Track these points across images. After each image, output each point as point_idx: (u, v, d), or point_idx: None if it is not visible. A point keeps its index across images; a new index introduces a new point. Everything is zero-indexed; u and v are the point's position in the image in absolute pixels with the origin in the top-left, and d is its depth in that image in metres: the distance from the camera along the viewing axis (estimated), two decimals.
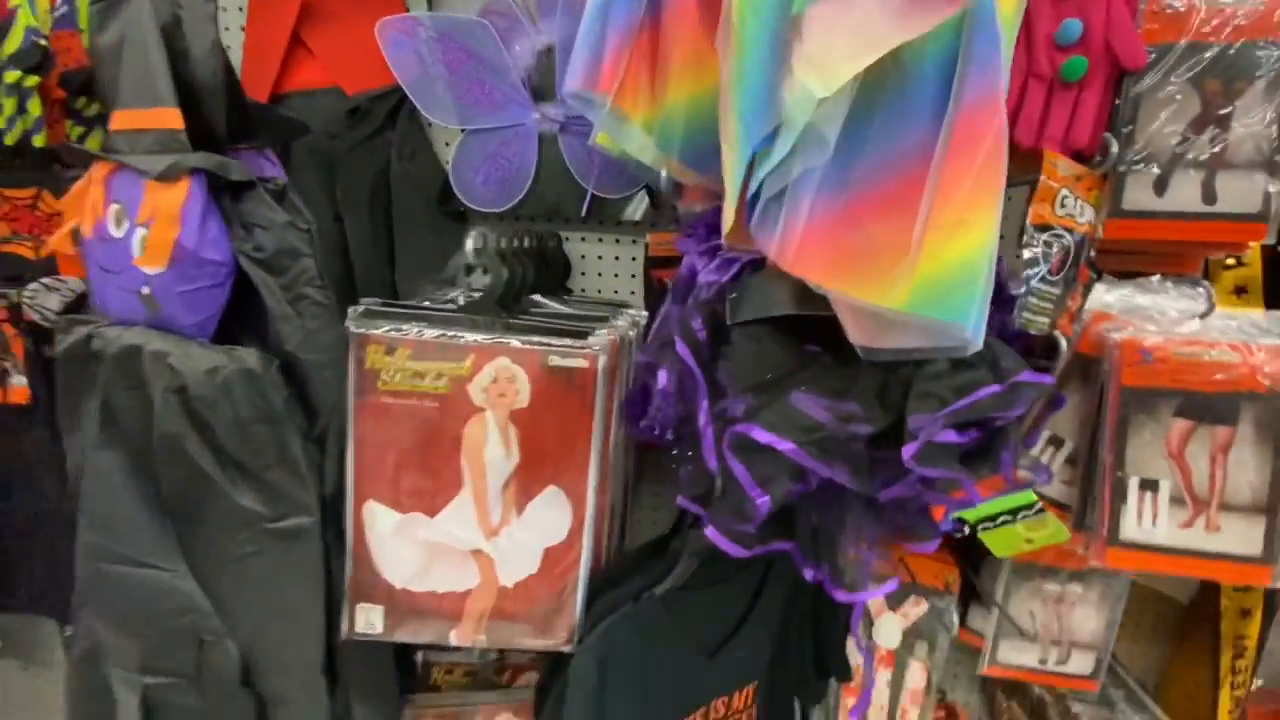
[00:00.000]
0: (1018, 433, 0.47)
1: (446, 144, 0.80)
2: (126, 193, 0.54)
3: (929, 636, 0.75)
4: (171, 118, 0.53)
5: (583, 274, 0.84)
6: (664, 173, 0.63)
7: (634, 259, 0.83)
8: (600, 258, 0.83)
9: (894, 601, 0.75)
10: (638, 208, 0.77)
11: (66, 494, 0.67)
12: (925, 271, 0.40)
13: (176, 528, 0.60)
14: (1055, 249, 0.51)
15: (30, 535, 0.82)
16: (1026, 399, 0.45)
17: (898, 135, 0.42)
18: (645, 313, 0.71)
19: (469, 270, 0.61)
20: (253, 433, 0.54)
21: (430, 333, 0.56)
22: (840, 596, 0.53)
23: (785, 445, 0.44)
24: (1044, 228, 0.50)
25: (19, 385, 0.75)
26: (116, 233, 0.55)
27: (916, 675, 0.77)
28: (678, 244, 0.64)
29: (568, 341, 0.58)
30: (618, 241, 0.82)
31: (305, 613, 0.58)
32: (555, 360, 0.57)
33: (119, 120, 0.56)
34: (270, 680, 0.60)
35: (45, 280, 0.74)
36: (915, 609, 0.75)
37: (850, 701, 0.80)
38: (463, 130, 0.76)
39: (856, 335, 0.46)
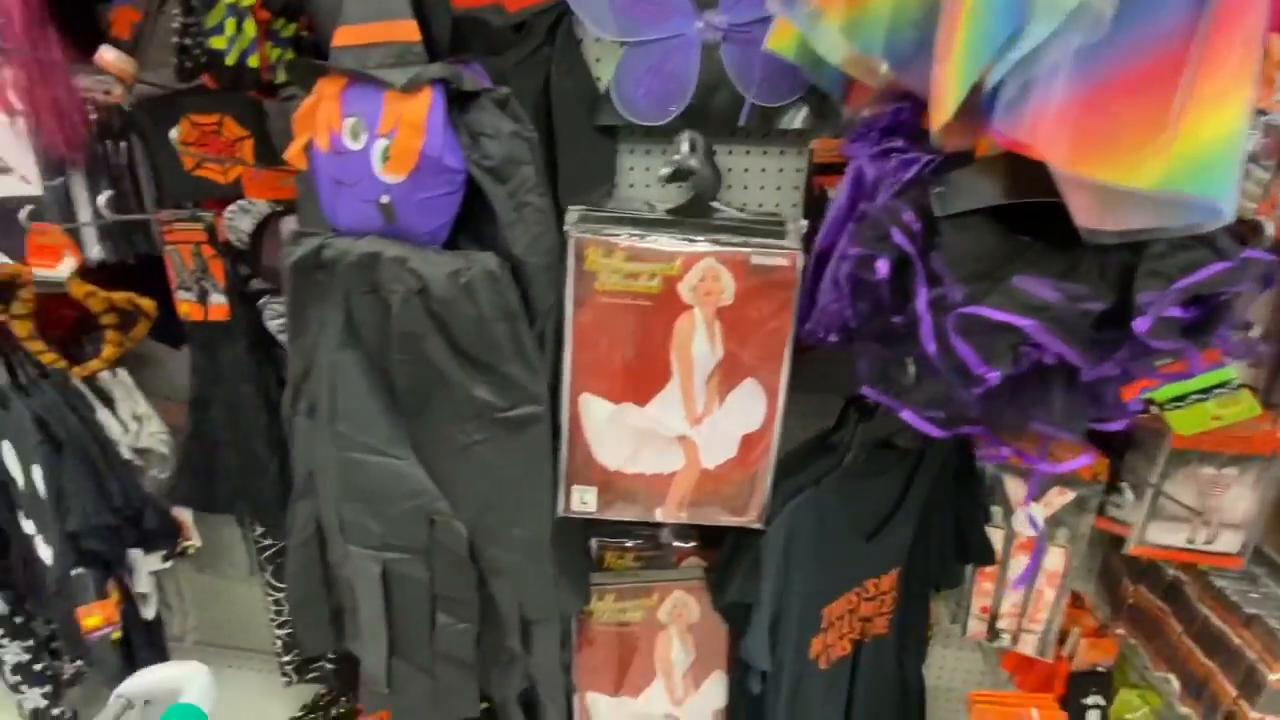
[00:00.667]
0: (1235, 309, 0.50)
1: (597, 59, 0.81)
2: (363, 106, 0.57)
3: (1071, 524, 0.80)
4: (407, 30, 0.55)
5: (728, 187, 0.86)
6: (833, 77, 0.64)
7: (781, 170, 0.84)
8: (746, 170, 0.85)
9: (1038, 490, 0.80)
10: (795, 116, 0.78)
11: (286, 396, 0.74)
12: (1183, 147, 0.42)
13: (407, 420, 0.66)
14: (1269, 134, 0.52)
15: (226, 443, 0.90)
16: (1252, 275, 0.48)
17: (1156, 11, 0.43)
18: (805, 222, 0.74)
19: (676, 174, 0.64)
20: (492, 330, 0.59)
21: (642, 235, 0.60)
22: (1043, 468, 0.57)
23: (1026, 323, 0.48)
24: (1261, 113, 0.51)
25: (219, 303, 0.82)
26: (353, 145, 0.58)
27: (1056, 560, 0.82)
28: (844, 149, 0.66)
29: (769, 241, 0.61)
30: (765, 154, 0.84)
31: (533, 493, 0.65)
32: (758, 260, 0.61)
33: (345, 36, 0.58)
34: (495, 554, 0.68)
35: (240, 203, 0.79)
36: (1059, 498, 0.80)
37: (987, 586, 0.86)
38: (621, 43, 0.77)
39: (1086, 218, 0.48)
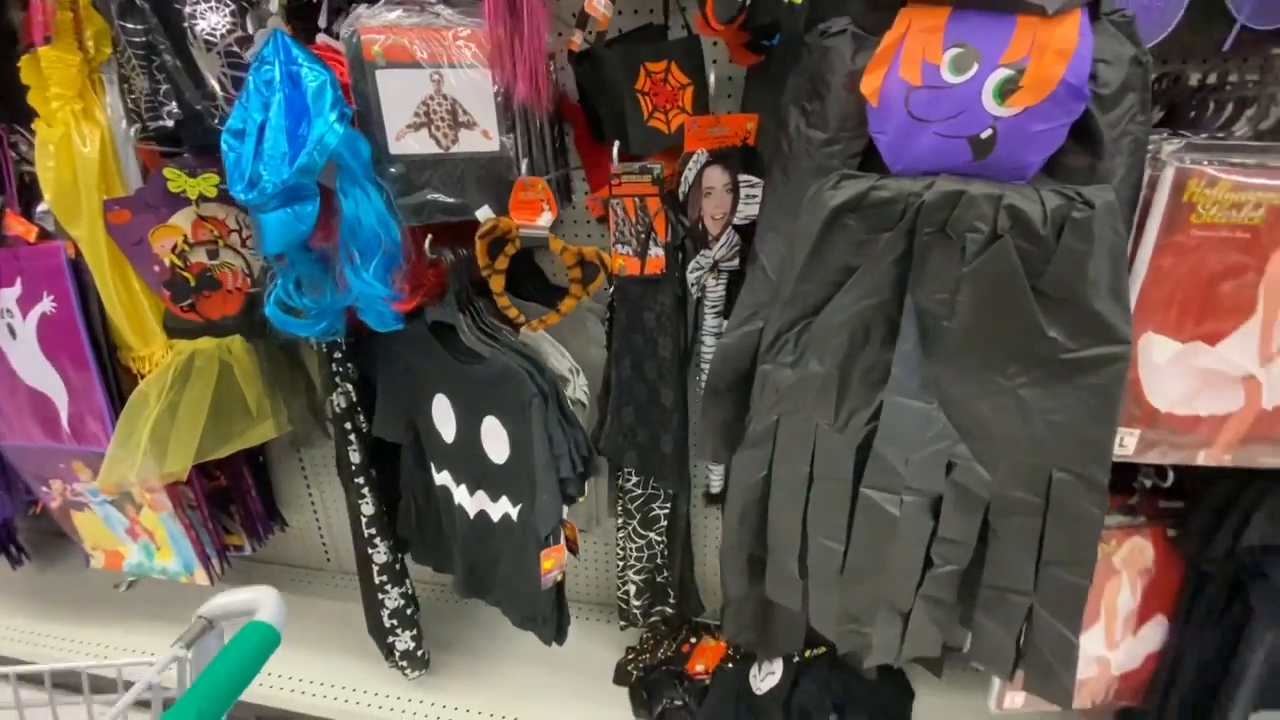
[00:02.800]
0: None
1: None
2: (977, 35, 0.55)
3: None
4: None
5: None
6: None
7: None
8: None
9: None
10: None
11: (764, 341, 0.73)
12: None
13: (935, 364, 0.66)
14: None
15: (633, 395, 0.91)
16: None
17: None
18: None
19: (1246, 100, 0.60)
20: (1097, 266, 0.57)
21: (1251, 164, 0.57)
22: None
23: None
24: None
25: (656, 256, 0.82)
26: (954, 79, 0.57)
27: None
28: None
29: None
30: None
31: (1093, 435, 0.64)
32: None
33: None
34: (1019, 497, 0.67)
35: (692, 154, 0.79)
36: None
37: None
38: None
39: None
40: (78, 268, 0.86)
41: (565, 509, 0.86)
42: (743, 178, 0.82)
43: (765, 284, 0.77)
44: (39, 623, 1.32)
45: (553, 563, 0.82)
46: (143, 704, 0.55)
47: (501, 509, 0.89)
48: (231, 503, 1.21)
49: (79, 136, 0.78)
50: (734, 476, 0.81)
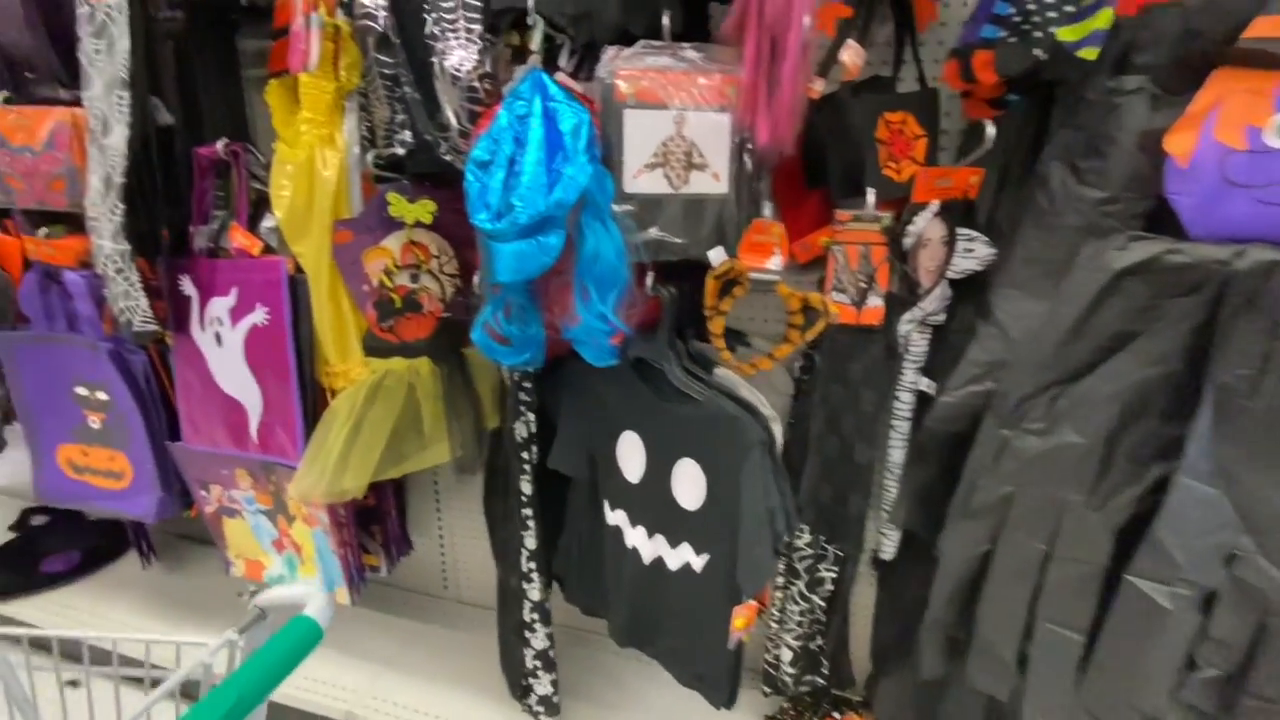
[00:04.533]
0: None
1: None
2: None
3: None
4: None
5: None
6: None
7: None
8: None
9: None
10: None
11: (1004, 408, 0.69)
12: None
13: (1224, 444, 0.60)
14: None
15: (821, 446, 0.87)
16: None
17: None
18: None
19: None
20: None
21: None
22: None
23: None
24: None
25: (874, 306, 0.79)
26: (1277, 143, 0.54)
27: None
28: None
29: None
30: None
31: None
32: None
33: (1267, 27, 0.54)
34: None
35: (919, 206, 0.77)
36: None
37: None
38: None
39: None
40: (294, 283, 0.89)
41: None
42: (960, 231, 0.79)
43: (1001, 343, 0.73)
44: (153, 621, 1.34)
45: (744, 621, 0.78)
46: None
47: (682, 557, 0.86)
48: (374, 522, 1.22)
49: (321, 160, 0.82)
50: (948, 549, 0.76)
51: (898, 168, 0.78)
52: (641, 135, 0.74)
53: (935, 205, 0.76)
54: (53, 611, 1.38)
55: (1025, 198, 0.73)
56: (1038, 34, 0.61)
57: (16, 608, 1.39)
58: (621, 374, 0.83)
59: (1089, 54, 0.59)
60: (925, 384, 0.85)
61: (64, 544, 1.54)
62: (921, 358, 0.85)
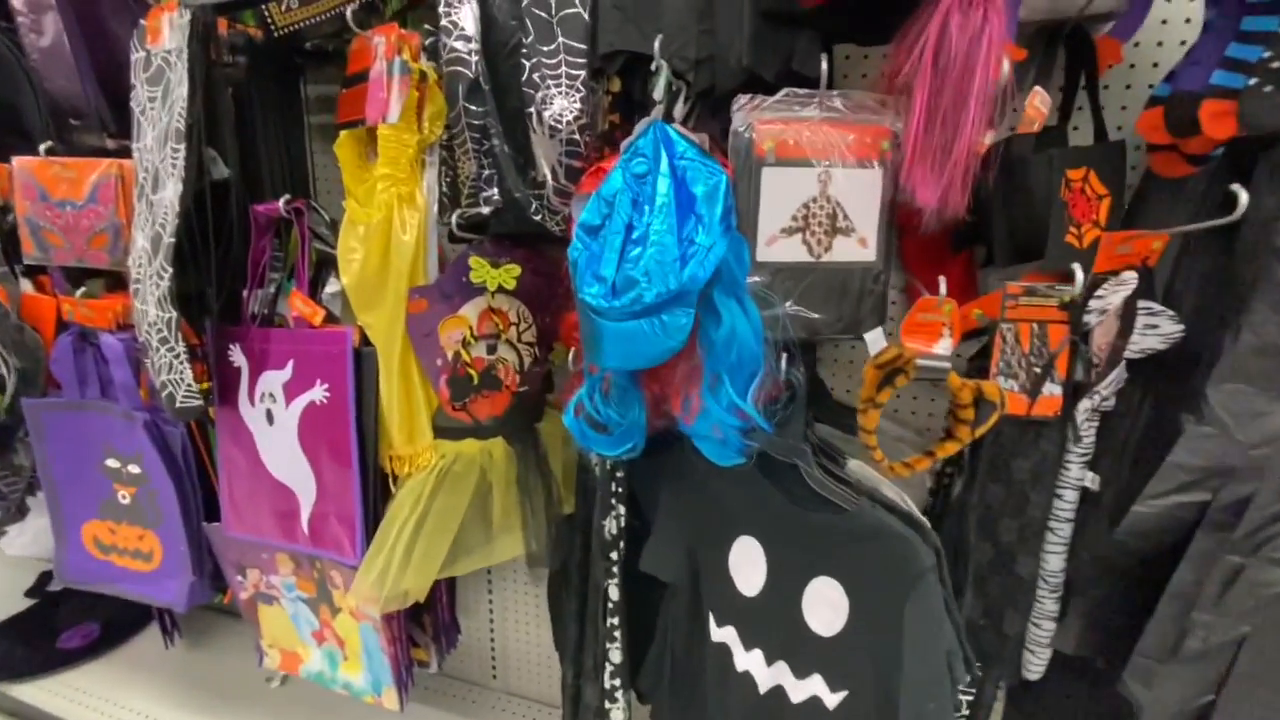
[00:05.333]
0: None
1: None
2: None
3: None
4: None
5: None
6: None
7: None
8: None
9: None
10: None
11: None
12: None
13: None
14: None
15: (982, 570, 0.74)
16: None
17: None
18: None
19: None
20: None
21: None
22: None
23: None
24: None
25: (1052, 395, 0.67)
26: None
27: None
28: None
29: None
30: None
31: None
32: None
33: None
34: None
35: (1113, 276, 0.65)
36: None
37: None
38: None
39: None
40: (359, 357, 0.78)
41: None
42: (1141, 303, 0.67)
43: (1222, 445, 0.60)
44: (175, 711, 1.21)
45: None
46: None
47: (809, 690, 0.71)
48: (423, 610, 1.09)
49: (399, 221, 0.72)
50: (1155, 698, 0.62)
51: (1079, 233, 0.66)
52: (781, 196, 0.63)
53: (1133, 277, 0.64)
54: (68, 697, 1.26)
55: (1216, 268, 0.62)
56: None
57: (32, 692, 1.28)
58: (740, 468, 0.71)
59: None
60: (1090, 479, 0.72)
61: (82, 615, 1.43)
62: (1090, 451, 0.72)
